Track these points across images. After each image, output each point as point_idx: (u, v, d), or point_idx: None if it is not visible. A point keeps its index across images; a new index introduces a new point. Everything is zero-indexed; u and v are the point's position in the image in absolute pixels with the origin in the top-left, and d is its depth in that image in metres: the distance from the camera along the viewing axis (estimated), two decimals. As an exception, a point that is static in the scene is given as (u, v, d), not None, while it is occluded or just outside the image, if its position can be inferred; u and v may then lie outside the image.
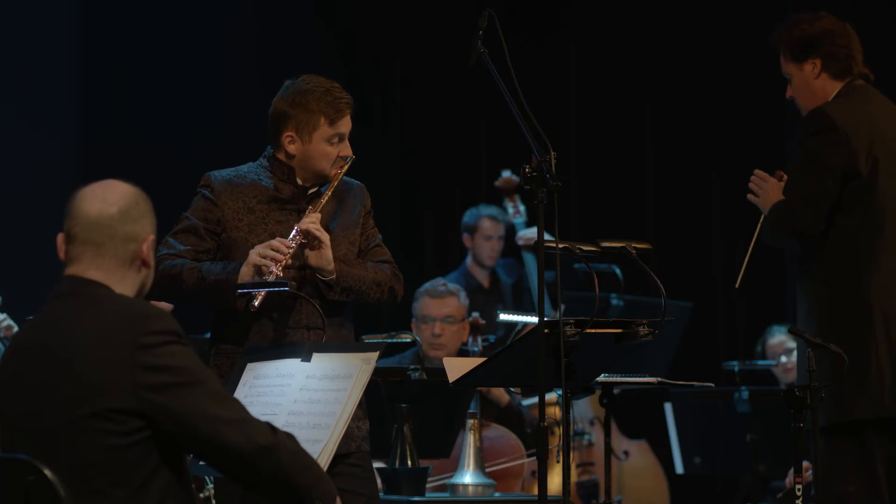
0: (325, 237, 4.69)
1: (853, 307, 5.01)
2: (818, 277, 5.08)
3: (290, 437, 3.55)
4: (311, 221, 4.68)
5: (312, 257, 4.69)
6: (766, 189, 5.22)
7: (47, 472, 3.32)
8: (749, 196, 5.29)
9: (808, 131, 5.10)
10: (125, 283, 3.56)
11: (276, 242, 4.64)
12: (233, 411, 3.48)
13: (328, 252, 4.70)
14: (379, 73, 10.03)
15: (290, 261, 4.63)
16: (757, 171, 5.27)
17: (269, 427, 3.52)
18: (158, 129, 8.99)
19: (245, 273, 4.62)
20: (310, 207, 4.75)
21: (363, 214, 4.91)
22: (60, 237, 3.59)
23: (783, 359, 8.43)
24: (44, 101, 8.74)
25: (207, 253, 4.76)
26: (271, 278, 4.58)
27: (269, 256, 4.61)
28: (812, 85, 5.16)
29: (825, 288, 5.05)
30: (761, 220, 5.22)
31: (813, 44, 5.14)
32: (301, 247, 4.68)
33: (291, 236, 4.66)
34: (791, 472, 7.51)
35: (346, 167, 4.80)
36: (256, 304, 4.61)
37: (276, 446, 3.50)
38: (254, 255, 4.63)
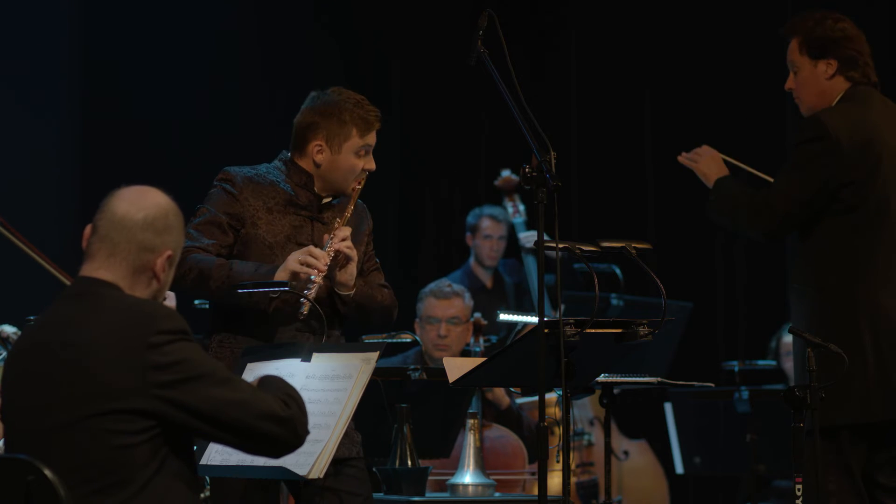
0: (354, 254, 4.74)
1: (842, 312, 5.00)
2: (809, 281, 5.08)
3: (297, 405, 3.58)
4: (343, 238, 4.71)
5: (339, 273, 4.73)
6: (704, 159, 5.27)
7: (47, 472, 3.32)
8: (682, 159, 5.33)
9: (801, 139, 5.09)
10: (134, 292, 3.57)
11: (315, 250, 4.66)
12: (244, 393, 3.51)
13: (353, 269, 4.76)
14: (379, 73, 10.03)
15: (325, 272, 4.65)
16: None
17: (281, 400, 3.55)
18: (158, 129, 8.99)
19: (280, 278, 4.63)
20: (338, 220, 4.79)
21: (367, 234, 4.94)
22: (88, 228, 3.60)
23: None
24: (43, 99, 8.74)
25: (229, 248, 4.77)
26: (314, 287, 4.61)
27: (309, 264, 4.62)
28: (822, 84, 5.14)
29: (816, 292, 5.05)
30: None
31: (834, 44, 5.11)
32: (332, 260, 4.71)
33: (326, 248, 4.68)
34: None
35: (363, 181, 4.83)
36: (305, 311, 4.63)
37: (292, 418, 3.54)
38: (292, 262, 4.63)
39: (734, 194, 5.21)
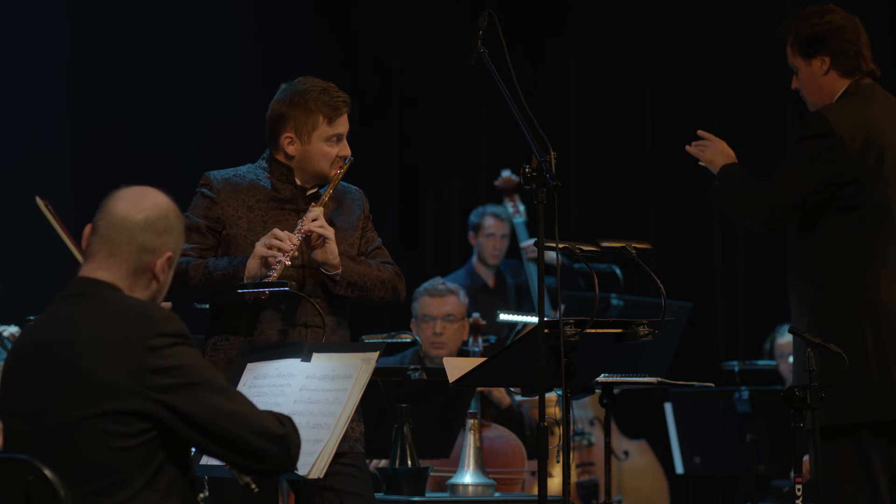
0: (329, 232, 4.70)
1: (843, 309, 4.98)
2: (810, 278, 5.05)
3: (293, 426, 3.57)
4: (314, 218, 4.69)
5: (318, 252, 4.71)
6: (713, 148, 5.24)
7: (47, 472, 3.32)
8: (690, 149, 5.29)
9: (804, 135, 5.07)
10: (133, 293, 3.56)
11: (279, 232, 4.64)
12: (241, 406, 3.50)
13: (333, 246, 4.71)
14: (379, 73, 10.04)
15: (296, 253, 4.64)
16: (700, 133, 5.29)
17: (276, 418, 3.54)
18: (158, 129, 8.99)
19: (252, 266, 4.63)
20: (312, 203, 4.77)
21: (362, 218, 4.92)
22: (88, 228, 3.59)
23: (791, 359, 8.42)
24: (44, 98, 8.74)
25: (211, 250, 4.78)
26: (279, 268, 4.59)
27: (275, 246, 4.62)
28: (819, 81, 5.12)
29: (817, 289, 5.03)
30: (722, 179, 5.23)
31: (822, 40, 5.09)
32: (306, 242, 4.69)
33: (296, 230, 4.67)
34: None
35: (345, 168, 4.81)
36: (267, 291, 4.61)
37: (286, 437, 3.53)
38: (259, 247, 4.64)
39: (737, 183, 5.18)
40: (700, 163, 5.34)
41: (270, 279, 4.58)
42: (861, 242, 5.01)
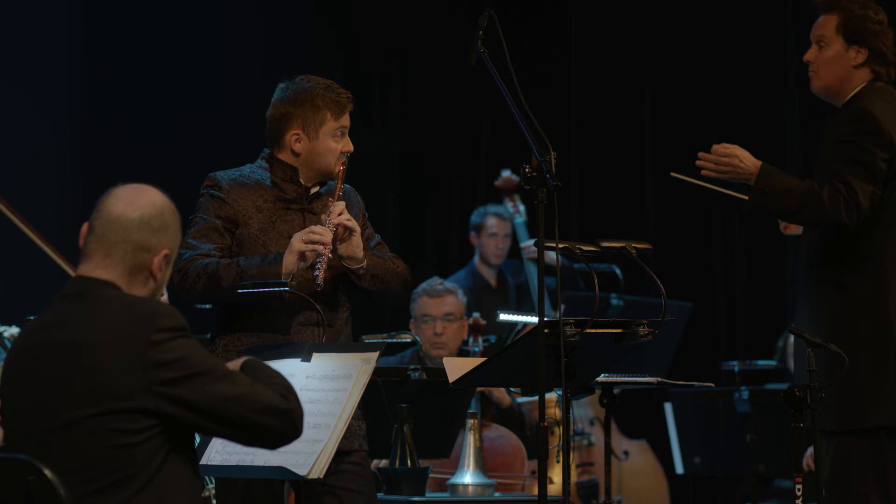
0: (355, 225, 4.75)
1: (871, 312, 4.93)
2: (835, 279, 4.99)
3: (296, 397, 3.57)
4: (340, 212, 4.72)
5: (343, 246, 4.73)
6: (739, 160, 5.11)
7: (47, 472, 3.32)
8: (710, 173, 5.14)
9: (855, 128, 4.98)
10: (131, 291, 3.56)
11: (316, 227, 4.68)
12: (245, 387, 3.51)
13: (359, 239, 4.76)
14: (379, 73, 10.04)
15: (332, 247, 4.66)
16: (715, 148, 5.13)
17: (280, 393, 3.55)
18: (158, 128, 9.00)
19: (289, 261, 4.65)
20: (330, 199, 4.80)
21: (360, 216, 4.94)
22: (85, 226, 3.60)
23: None
24: (44, 95, 8.74)
25: (229, 250, 4.79)
26: (324, 262, 4.62)
27: (315, 241, 4.64)
28: (847, 69, 5.06)
29: (844, 290, 4.96)
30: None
31: (871, 35, 5.04)
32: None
33: (326, 225, 4.71)
34: None
35: (346, 163, 4.85)
36: (320, 280, 4.64)
37: (291, 411, 3.54)
38: (297, 242, 4.66)
39: (793, 188, 5.00)
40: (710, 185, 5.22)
41: (318, 275, 4.62)
42: (888, 242, 4.95)
